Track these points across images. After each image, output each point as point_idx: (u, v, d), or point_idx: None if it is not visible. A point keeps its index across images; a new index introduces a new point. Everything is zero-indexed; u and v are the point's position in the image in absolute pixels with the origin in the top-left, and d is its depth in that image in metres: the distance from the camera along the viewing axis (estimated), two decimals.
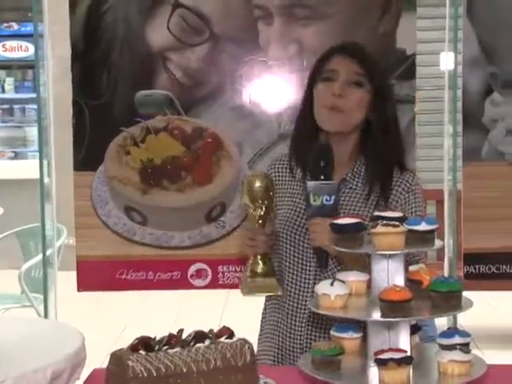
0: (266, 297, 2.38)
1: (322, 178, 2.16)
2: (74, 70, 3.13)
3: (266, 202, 2.21)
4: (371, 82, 2.24)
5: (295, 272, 2.28)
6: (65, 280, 3.55)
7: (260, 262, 2.25)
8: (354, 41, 2.38)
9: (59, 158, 3.39)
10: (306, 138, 2.29)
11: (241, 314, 5.91)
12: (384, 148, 2.26)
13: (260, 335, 2.40)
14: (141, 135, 3.12)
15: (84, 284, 3.20)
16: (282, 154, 2.40)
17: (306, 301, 2.26)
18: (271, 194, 2.22)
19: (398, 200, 2.28)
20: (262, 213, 2.21)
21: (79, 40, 3.11)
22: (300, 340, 2.27)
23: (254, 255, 2.25)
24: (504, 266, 3.01)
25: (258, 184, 2.21)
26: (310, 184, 2.16)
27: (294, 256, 2.28)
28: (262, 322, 2.42)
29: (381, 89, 2.27)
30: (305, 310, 2.27)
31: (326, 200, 2.15)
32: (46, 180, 3.26)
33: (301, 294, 2.28)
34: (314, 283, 2.22)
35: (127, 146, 3.12)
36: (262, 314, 2.42)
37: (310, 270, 2.26)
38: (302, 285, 2.28)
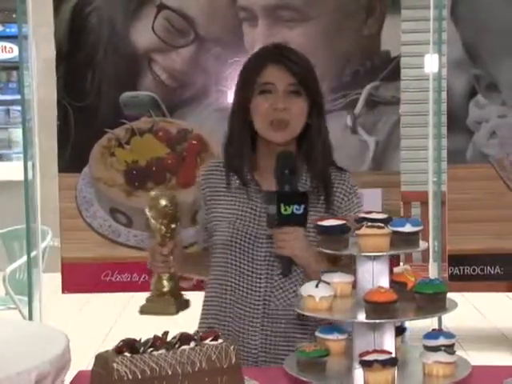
0: (206, 295, 2.36)
1: (287, 187, 2.15)
2: (59, 71, 3.12)
3: (167, 222, 2.22)
4: (306, 91, 2.23)
5: (244, 278, 2.25)
6: (50, 282, 3.54)
7: (160, 282, 2.27)
8: (282, 44, 2.34)
9: (44, 159, 3.38)
10: (241, 145, 2.27)
11: None
12: (322, 150, 2.27)
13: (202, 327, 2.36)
14: (126, 137, 3.12)
15: (69, 286, 3.19)
16: (210, 163, 2.36)
17: (258, 306, 2.25)
18: (177, 215, 2.23)
19: (341, 201, 2.30)
20: (162, 232, 2.22)
21: (64, 41, 3.11)
22: (254, 341, 2.26)
23: (156, 274, 2.26)
24: (488, 268, 3.02)
25: (163, 203, 2.20)
26: (281, 193, 2.14)
27: (242, 263, 2.26)
28: (203, 315, 2.39)
29: (315, 95, 2.26)
30: (257, 313, 2.26)
31: (296, 209, 2.13)
32: (30, 182, 3.26)
33: (251, 300, 2.25)
34: (266, 290, 2.23)
35: (112, 148, 3.11)
36: (204, 308, 2.40)
37: (260, 277, 2.24)
38: (252, 292, 2.25)
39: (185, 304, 2.30)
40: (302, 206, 2.14)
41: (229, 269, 2.28)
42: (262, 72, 2.23)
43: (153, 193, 2.26)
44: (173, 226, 2.24)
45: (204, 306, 2.37)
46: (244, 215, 2.27)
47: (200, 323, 2.39)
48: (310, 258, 2.20)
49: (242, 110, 2.27)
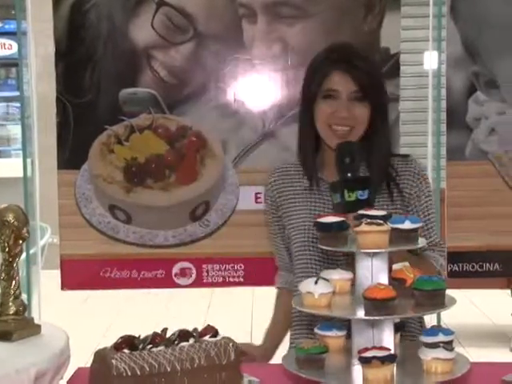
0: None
1: (349, 175, 2.16)
2: (58, 68, 3.12)
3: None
4: (369, 96, 2.26)
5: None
6: (49, 279, 3.54)
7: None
8: (348, 46, 2.38)
9: (43, 156, 3.38)
10: (309, 149, 2.34)
11: (225, 312, 5.92)
12: (383, 151, 2.32)
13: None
14: (125, 133, 3.12)
15: (68, 283, 3.19)
16: (275, 170, 2.42)
17: None
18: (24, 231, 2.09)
19: (410, 187, 2.33)
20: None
21: (63, 38, 3.10)
22: None
23: None
24: (487, 265, 3.03)
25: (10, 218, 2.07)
26: (344, 179, 2.15)
27: (323, 260, 2.30)
28: (296, 322, 2.42)
29: (379, 99, 2.29)
30: None
31: (361, 195, 2.13)
32: (29, 178, 3.26)
33: None
34: None
35: (111, 145, 3.11)
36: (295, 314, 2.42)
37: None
38: None
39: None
40: (366, 191, 2.13)
41: (309, 269, 2.31)
42: (328, 77, 2.27)
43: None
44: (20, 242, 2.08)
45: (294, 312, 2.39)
46: (316, 212, 2.31)
47: (293, 331, 2.40)
48: None
49: (306, 109, 2.33)
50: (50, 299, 3.59)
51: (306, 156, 2.36)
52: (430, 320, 3.12)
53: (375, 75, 2.32)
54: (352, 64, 2.27)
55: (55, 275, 3.19)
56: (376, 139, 2.30)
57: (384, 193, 2.32)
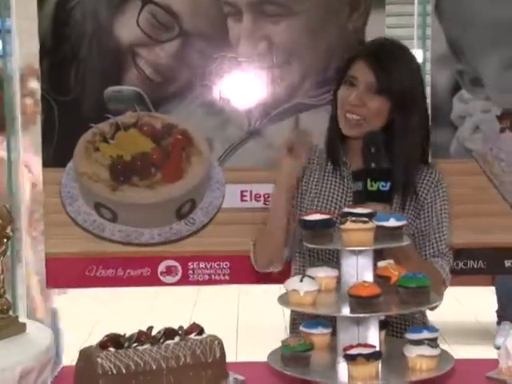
0: None
1: (373, 164, 2.17)
2: (43, 65, 3.10)
3: None
4: (387, 90, 2.27)
5: None
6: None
7: None
8: (385, 39, 2.40)
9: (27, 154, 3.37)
10: (334, 134, 2.38)
11: (211, 310, 5.92)
12: (405, 151, 2.31)
13: None
14: (110, 131, 3.11)
15: (53, 281, 3.18)
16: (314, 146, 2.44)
17: None
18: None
19: (426, 193, 2.35)
20: None
21: (47, 36, 3.09)
22: None
23: None
24: (472, 262, 3.04)
25: None
26: (368, 169, 2.17)
27: None
28: None
29: (400, 94, 2.29)
30: None
31: (382, 186, 2.15)
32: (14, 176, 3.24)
33: None
34: None
35: (97, 143, 3.10)
36: None
37: None
38: None
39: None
40: (388, 184, 2.15)
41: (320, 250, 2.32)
42: (352, 65, 2.32)
43: None
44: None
45: None
46: (336, 197, 2.35)
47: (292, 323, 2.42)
48: None
49: (335, 94, 2.38)
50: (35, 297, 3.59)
51: (330, 140, 2.40)
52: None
53: (402, 75, 2.30)
54: (378, 57, 2.30)
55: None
56: (397, 138, 2.29)
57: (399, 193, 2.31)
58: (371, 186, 2.14)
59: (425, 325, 2.31)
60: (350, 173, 2.33)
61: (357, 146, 2.31)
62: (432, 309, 2.24)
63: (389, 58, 2.31)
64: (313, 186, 2.41)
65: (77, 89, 3.10)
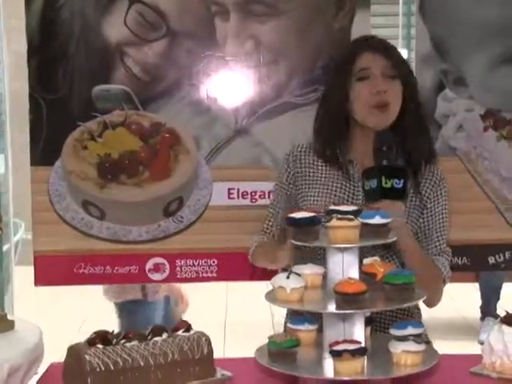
0: None
1: (385, 162, 2.19)
2: (31, 64, 3.11)
3: None
4: (400, 74, 2.32)
5: None
6: (23, 275, 3.53)
7: None
8: (374, 36, 2.44)
9: (16, 152, 3.38)
10: (335, 130, 2.36)
11: (199, 307, 5.93)
12: (416, 141, 2.34)
13: None
14: (98, 130, 3.11)
15: (41, 279, 3.19)
16: (299, 147, 2.44)
17: None
18: None
19: (429, 192, 2.37)
20: None
21: (35, 35, 3.09)
22: None
23: None
24: (456, 259, 3.07)
25: None
26: (382, 166, 2.18)
27: None
28: None
29: (409, 78, 2.35)
30: None
31: (396, 183, 2.16)
32: (2, 175, 3.26)
33: None
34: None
35: (84, 141, 3.11)
36: None
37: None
38: None
39: None
40: (402, 181, 2.17)
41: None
42: (357, 59, 2.33)
43: None
44: None
45: None
46: (339, 196, 2.33)
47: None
48: (408, 233, 2.25)
49: (336, 97, 2.35)
50: (23, 295, 3.59)
51: (335, 140, 2.37)
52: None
53: (403, 59, 2.38)
54: (382, 44, 2.35)
55: (29, 271, 3.19)
56: (410, 124, 2.33)
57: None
58: (385, 183, 2.16)
59: (409, 321, 2.33)
60: (356, 171, 2.34)
61: (360, 146, 2.34)
62: (430, 306, 2.27)
63: (387, 44, 2.37)
64: (311, 187, 2.39)
65: (65, 87, 3.10)
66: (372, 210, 2.11)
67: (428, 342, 2.38)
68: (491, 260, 3.19)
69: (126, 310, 3.46)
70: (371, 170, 2.20)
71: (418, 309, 2.44)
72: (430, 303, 2.30)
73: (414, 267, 2.20)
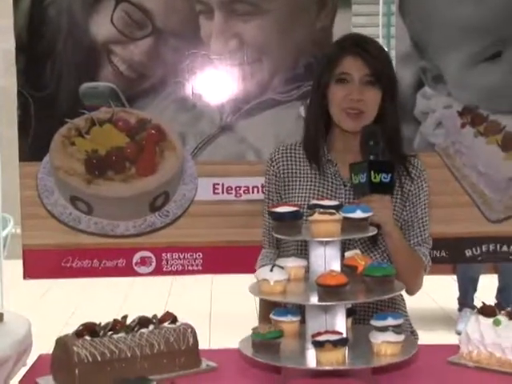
0: None
1: (372, 157, 2.21)
2: (19, 62, 3.13)
3: None
4: (380, 80, 2.32)
5: None
6: (12, 268, 3.55)
7: None
8: (361, 35, 2.42)
9: (5, 148, 3.40)
10: (316, 129, 2.38)
11: (185, 299, 5.96)
12: (399, 140, 2.39)
13: None
14: (86, 126, 3.14)
15: (30, 272, 3.21)
16: (281, 147, 2.45)
17: None
18: None
19: (411, 185, 2.40)
20: None
21: (23, 33, 3.12)
22: None
23: None
24: (434, 252, 3.11)
25: None
26: (369, 161, 2.19)
27: None
28: None
29: (389, 84, 2.35)
30: None
31: (384, 178, 2.18)
32: None
33: None
34: None
35: (72, 137, 3.14)
36: None
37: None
38: None
39: None
40: (389, 175, 2.19)
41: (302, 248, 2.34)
42: (340, 62, 2.33)
43: None
44: None
45: None
46: (320, 194, 2.36)
47: None
48: (395, 226, 2.29)
49: (319, 96, 2.37)
50: (13, 288, 3.61)
51: (315, 139, 2.39)
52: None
53: (385, 60, 2.37)
54: (363, 48, 2.33)
55: (18, 265, 3.22)
56: (387, 125, 2.34)
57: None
58: (374, 177, 2.18)
59: (389, 312, 2.38)
60: (337, 170, 2.38)
61: (341, 146, 2.37)
62: (412, 293, 2.32)
63: (374, 48, 2.36)
64: (295, 185, 2.41)
65: (52, 85, 3.13)
66: (354, 204, 2.15)
67: (413, 332, 2.44)
68: (468, 253, 3.24)
69: None
70: (359, 164, 2.23)
71: (403, 299, 2.49)
72: (411, 291, 2.34)
73: (397, 256, 2.25)
